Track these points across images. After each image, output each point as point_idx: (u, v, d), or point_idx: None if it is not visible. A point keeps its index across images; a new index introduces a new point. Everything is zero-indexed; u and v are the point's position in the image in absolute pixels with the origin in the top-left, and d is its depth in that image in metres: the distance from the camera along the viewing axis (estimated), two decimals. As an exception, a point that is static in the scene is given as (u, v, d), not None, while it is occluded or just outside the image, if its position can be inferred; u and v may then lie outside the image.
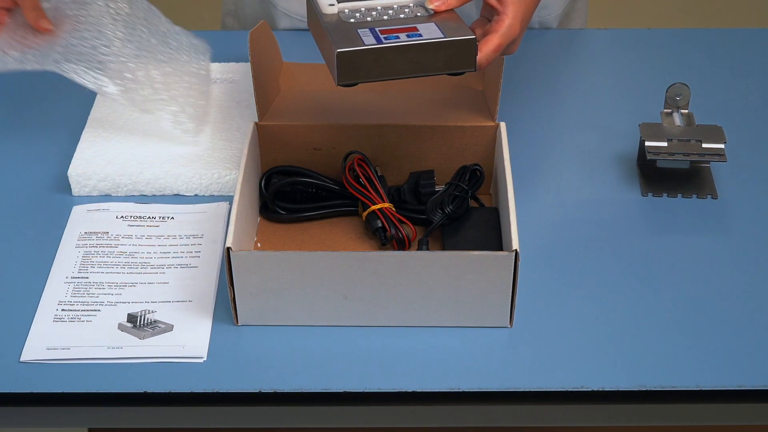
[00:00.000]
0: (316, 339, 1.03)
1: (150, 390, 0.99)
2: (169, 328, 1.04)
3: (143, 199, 1.19)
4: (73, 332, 1.03)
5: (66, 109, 1.29)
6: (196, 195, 1.19)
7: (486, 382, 0.99)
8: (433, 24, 1.01)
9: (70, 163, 1.19)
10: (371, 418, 1.03)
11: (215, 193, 1.19)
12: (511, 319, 1.03)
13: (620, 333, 1.03)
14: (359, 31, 1.00)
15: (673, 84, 1.20)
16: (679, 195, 1.18)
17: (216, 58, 1.34)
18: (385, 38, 0.99)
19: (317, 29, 1.04)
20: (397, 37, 0.99)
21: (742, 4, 3.03)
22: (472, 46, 1.00)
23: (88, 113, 1.25)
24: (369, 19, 1.02)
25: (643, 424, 1.06)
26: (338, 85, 0.99)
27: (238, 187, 1.05)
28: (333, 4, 1.03)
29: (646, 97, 1.30)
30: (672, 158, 1.17)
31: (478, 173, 1.14)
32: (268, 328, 1.04)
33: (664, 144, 1.17)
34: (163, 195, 1.19)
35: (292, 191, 1.15)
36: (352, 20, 1.02)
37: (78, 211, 1.16)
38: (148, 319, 1.05)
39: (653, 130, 1.19)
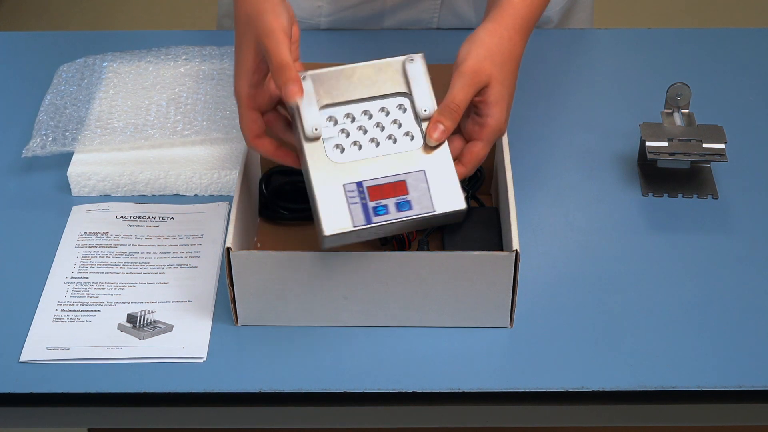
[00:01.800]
0: (316, 339, 1.03)
1: (150, 390, 0.99)
2: (169, 328, 1.04)
3: (143, 199, 1.19)
4: (72, 332, 1.03)
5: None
6: (196, 195, 1.19)
7: (486, 382, 0.99)
8: (422, 171, 0.98)
9: (69, 163, 1.19)
10: (371, 418, 1.03)
11: (215, 193, 1.19)
12: (511, 319, 1.03)
13: (620, 333, 1.03)
14: (347, 189, 0.97)
15: (674, 84, 1.20)
16: (680, 195, 1.18)
17: (214, 55, 1.34)
18: (375, 211, 0.97)
19: (302, 154, 1.00)
20: (386, 210, 0.97)
21: (742, 4, 3.03)
22: (461, 215, 0.98)
23: (88, 113, 1.25)
24: (357, 151, 0.99)
25: (643, 424, 1.06)
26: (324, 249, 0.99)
27: (238, 187, 1.05)
28: (316, 128, 0.98)
29: (646, 97, 1.30)
30: (672, 158, 1.17)
31: (479, 173, 1.14)
32: (268, 328, 1.04)
33: (665, 144, 1.17)
34: (163, 195, 1.19)
35: (292, 191, 1.15)
36: (337, 157, 0.99)
37: (78, 211, 1.16)
38: (147, 319, 1.05)
39: (654, 130, 1.18)
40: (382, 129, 1.00)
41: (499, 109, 1.02)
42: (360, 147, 0.99)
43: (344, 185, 0.98)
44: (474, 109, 1.02)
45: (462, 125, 1.03)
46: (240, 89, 1.00)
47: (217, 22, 1.52)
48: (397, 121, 1.01)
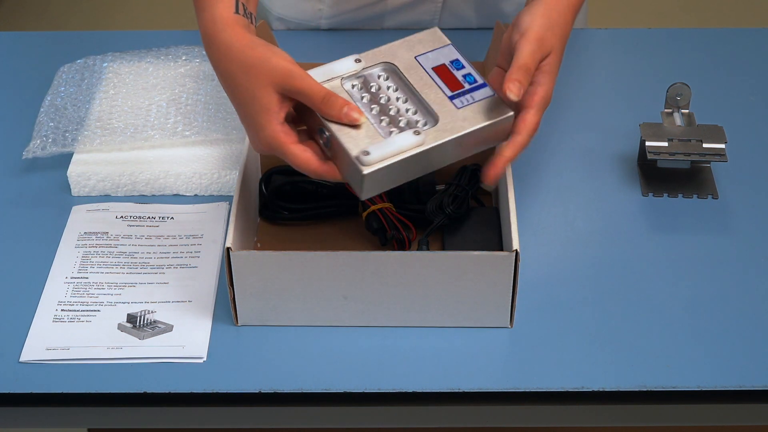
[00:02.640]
0: (316, 339, 1.03)
1: (150, 390, 0.99)
2: (169, 328, 1.04)
3: (143, 199, 1.19)
4: (72, 332, 1.03)
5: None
6: (196, 195, 1.19)
7: (486, 382, 0.99)
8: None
9: (69, 163, 1.19)
10: (371, 418, 1.03)
11: (215, 193, 1.19)
12: (511, 319, 1.03)
13: (620, 333, 1.03)
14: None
15: (674, 84, 1.20)
16: (680, 195, 1.18)
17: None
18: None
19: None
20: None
21: (742, 4, 3.03)
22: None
23: (88, 113, 1.25)
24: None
25: (643, 424, 1.06)
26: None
27: (238, 187, 1.05)
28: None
29: (646, 97, 1.30)
30: (672, 158, 1.17)
31: (479, 173, 1.14)
32: (268, 328, 1.04)
33: (665, 144, 1.17)
34: (163, 195, 1.19)
35: (292, 191, 1.15)
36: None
37: (78, 211, 1.16)
38: (147, 319, 1.05)
39: (654, 130, 1.18)
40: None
41: (551, 78, 1.03)
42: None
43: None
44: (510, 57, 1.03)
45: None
46: (273, 131, 0.98)
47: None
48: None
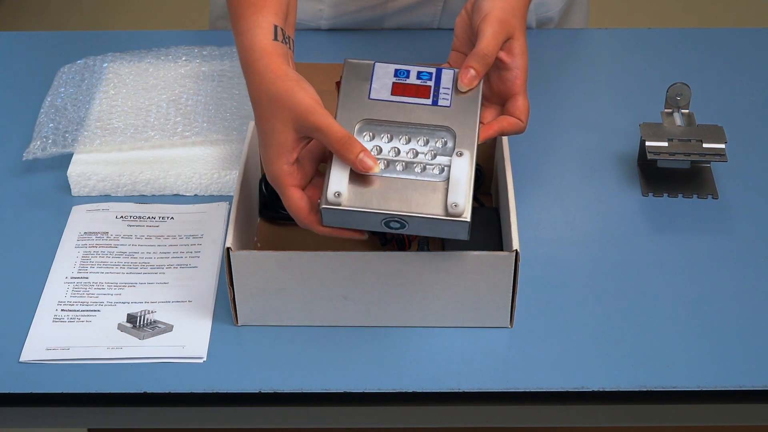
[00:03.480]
0: (316, 339, 1.03)
1: (150, 390, 0.99)
2: (169, 328, 1.04)
3: (143, 199, 1.19)
4: (72, 332, 1.03)
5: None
6: (196, 195, 1.19)
7: (486, 382, 0.99)
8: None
9: (69, 163, 1.19)
10: (371, 418, 1.03)
11: (215, 193, 1.19)
12: (511, 319, 1.03)
13: (620, 333, 1.03)
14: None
15: (674, 84, 1.20)
16: (680, 195, 1.18)
17: (214, 56, 1.34)
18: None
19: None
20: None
21: (742, 4, 3.03)
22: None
23: (88, 113, 1.25)
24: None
25: (643, 424, 1.06)
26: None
27: (238, 187, 1.05)
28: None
29: (646, 97, 1.30)
30: (672, 158, 1.17)
31: (479, 173, 1.14)
32: (268, 328, 1.04)
33: (665, 144, 1.17)
34: (163, 195, 1.19)
35: (292, 191, 1.15)
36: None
37: (78, 211, 1.16)
38: (147, 319, 1.05)
39: (654, 130, 1.18)
40: (415, 155, 0.98)
41: (524, 59, 1.03)
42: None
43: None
44: (499, 66, 1.03)
45: (491, 89, 1.04)
46: (279, 170, 0.97)
47: (210, 23, 1.52)
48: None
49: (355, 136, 0.98)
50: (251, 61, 0.99)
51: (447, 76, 1.01)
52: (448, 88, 1.00)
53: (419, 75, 1.01)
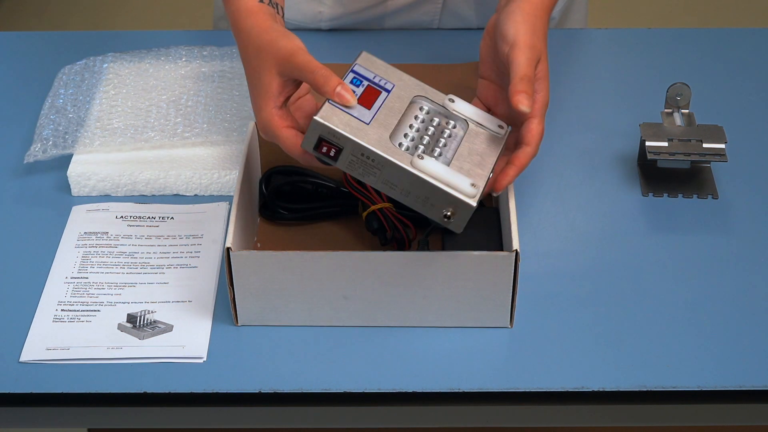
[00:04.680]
0: (316, 339, 1.03)
1: (150, 390, 0.99)
2: (169, 328, 1.04)
3: (143, 199, 1.19)
4: (72, 332, 1.03)
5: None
6: (196, 195, 1.19)
7: (486, 382, 0.99)
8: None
9: (69, 163, 1.19)
10: (371, 418, 1.03)
11: (215, 193, 1.19)
12: (511, 319, 1.03)
13: (620, 333, 1.03)
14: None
15: (674, 84, 1.20)
16: (680, 195, 1.18)
17: (214, 56, 1.34)
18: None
19: None
20: None
21: (742, 4, 3.03)
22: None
23: (88, 113, 1.25)
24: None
25: (643, 424, 1.06)
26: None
27: (238, 187, 1.05)
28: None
29: (646, 97, 1.30)
30: (672, 158, 1.17)
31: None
32: (268, 328, 1.04)
33: (665, 144, 1.17)
34: (163, 195, 1.19)
35: (292, 191, 1.15)
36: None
37: (77, 211, 1.16)
38: (147, 319, 1.05)
39: (654, 130, 1.18)
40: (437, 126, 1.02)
41: (546, 84, 1.04)
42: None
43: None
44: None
45: (502, 108, 1.06)
46: (268, 114, 1.00)
47: (213, 23, 1.52)
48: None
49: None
50: (238, 21, 1.02)
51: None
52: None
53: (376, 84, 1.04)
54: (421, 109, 1.04)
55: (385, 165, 0.96)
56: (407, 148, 0.99)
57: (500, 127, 1.04)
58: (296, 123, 1.02)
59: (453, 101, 1.05)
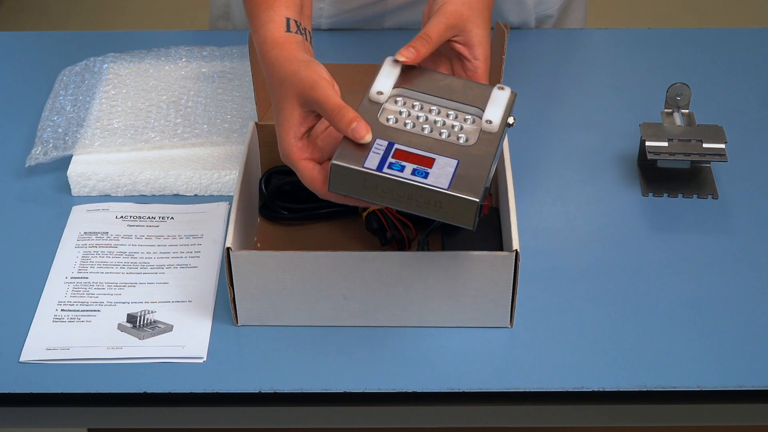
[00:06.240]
0: (316, 339, 1.03)
1: (150, 390, 0.99)
2: (169, 328, 1.04)
3: (143, 199, 1.19)
4: (72, 332, 1.03)
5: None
6: (195, 195, 1.19)
7: (486, 382, 0.99)
8: (456, 161, 0.96)
9: (69, 163, 1.19)
10: (371, 418, 1.03)
11: (215, 193, 1.19)
12: (511, 319, 1.03)
13: (620, 333, 1.03)
14: (376, 142, 0.96)
15: (674, 84, 1.20)
16: (680, 195, 1.18)
17: (215, 57, 1.34)
18: (390, 165, 0.95)
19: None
20: (402, 169, 0.95)
21: (742, 4, 3.03)
22: (473, 207, 0.94)
23: (89, 113, 1.25)
24: (405, 126, 0.98)
25: (643, 424, 1.06)
26: (329, 191, 0.96)
27: (238, 187, 1.05)
28: (381, 93, 1.00)
29: (646, 97, 1.30)
30: (672, 158, 1.17)
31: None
32: (268, 328, 1.04)
33: (665, 144, 1.17)
34: (163, 195, 1.19)
35: (292, 191, 1.15)
36: (386, 121, 0.98)
37: (78, 211, 1.16)
38: (147, 319, 1.05)
39: (654, 130, 1.18)
40: (443, 124, 0.99)
41: (483, 50, 1.04)
42: (412, 125, 0.99)
43: (377, 139, 0.97)
44: (459, 58, 1.04)
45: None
46: (288, 144, 0.98)
47: (210, 23, 1.52)
48: (460, 126, 0.99)
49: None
50: (265, 53, 1.01)
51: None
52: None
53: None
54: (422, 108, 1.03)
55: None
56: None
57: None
58: (318, 154, 0.99)
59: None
